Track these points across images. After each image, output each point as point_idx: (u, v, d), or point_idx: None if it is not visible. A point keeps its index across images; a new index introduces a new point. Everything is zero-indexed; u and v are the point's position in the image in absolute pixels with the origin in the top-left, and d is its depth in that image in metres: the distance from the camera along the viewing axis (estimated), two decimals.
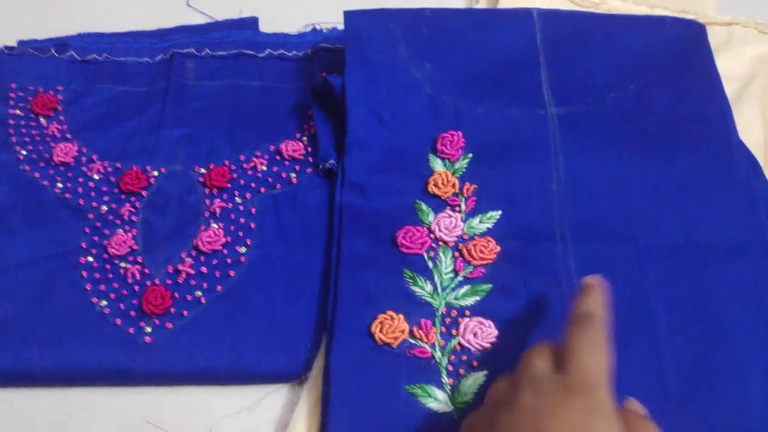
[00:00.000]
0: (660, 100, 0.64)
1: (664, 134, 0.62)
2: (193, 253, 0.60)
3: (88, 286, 0.58)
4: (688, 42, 0.68)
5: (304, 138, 0.67)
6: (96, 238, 0.61)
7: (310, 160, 0.65)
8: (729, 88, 0.66)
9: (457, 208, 0.59)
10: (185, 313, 0.56)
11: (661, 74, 0.66)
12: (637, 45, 0.68)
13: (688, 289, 0.54)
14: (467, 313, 0.54)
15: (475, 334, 0.53)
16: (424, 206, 0.59)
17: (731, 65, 0.71)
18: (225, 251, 0.60)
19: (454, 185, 0.60)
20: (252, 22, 0.79)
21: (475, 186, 0.60)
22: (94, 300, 0.57)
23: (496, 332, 0.53)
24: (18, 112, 0.70)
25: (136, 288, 0.58)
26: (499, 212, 0.59)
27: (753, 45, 0.73)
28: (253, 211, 0.62)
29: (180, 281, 0.58)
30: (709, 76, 0.66)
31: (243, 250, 0.60)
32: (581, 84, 0.66)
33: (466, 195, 0.60)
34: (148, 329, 0.56)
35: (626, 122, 0.63)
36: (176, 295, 0.57)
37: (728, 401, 0.50)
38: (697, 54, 0.67)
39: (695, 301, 0.54)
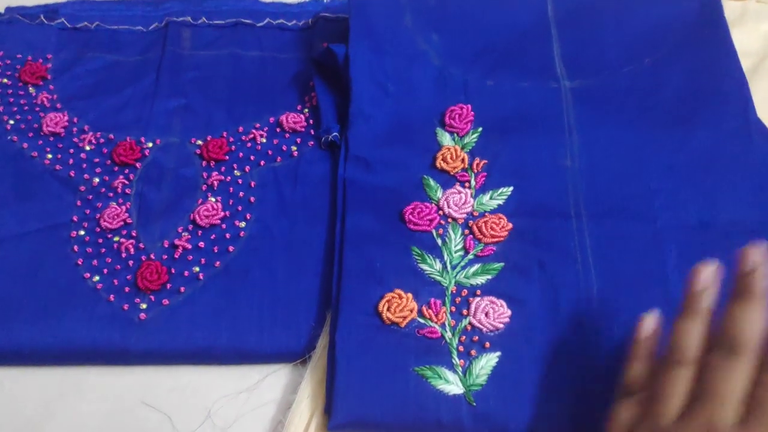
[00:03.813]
0: (676, 74, 0.62)
1: (681, 110, 0.60)
2: (190, 227, 0.57)
3: (80, 261, 0.55)
4: (703, 16, 0.66)
5: (306, 110, 0.64)
6: (88, 212, 0.58)
7: (312, 132, 0.63)
8: (744, 65, 0.64)
9: (466, 184, 0.57)
10: (182, 289, 0.54)
11: (677, 48, 0.63)
12: (651, 18, 0.65)
13: None
14: (478, 292, 0.52)
15: (486, 314, 0.50)
16: (432, 182, 0.57)
17: (745, 41, 0.69)
18: (223, 226, 0.57)
19: (463, 160, 0.58)
20: None
21: (486, 161, 0.58)
22: (86, 275, 0.55)
23: (509, 312, 0.51)
24: (5, 80, 0.67)
25: (131, 263, 0.55)
26: (511, 188, 0.56)
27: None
28: (253, 184, 0.60)
29: (176, 256, 0.55)
30: (725, 50, 0.63)
31: (242, 224, 0.57)
32: (595, 57, 0.63)
33: (475, 170, 0.58)
34: (143, 306, 0.53)
35: (642, 97, 0.61)
36: (173, 270, 0.55)
37: None
38: (712, 28, 0.65)
39: None
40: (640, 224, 0.54)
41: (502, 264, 0.53)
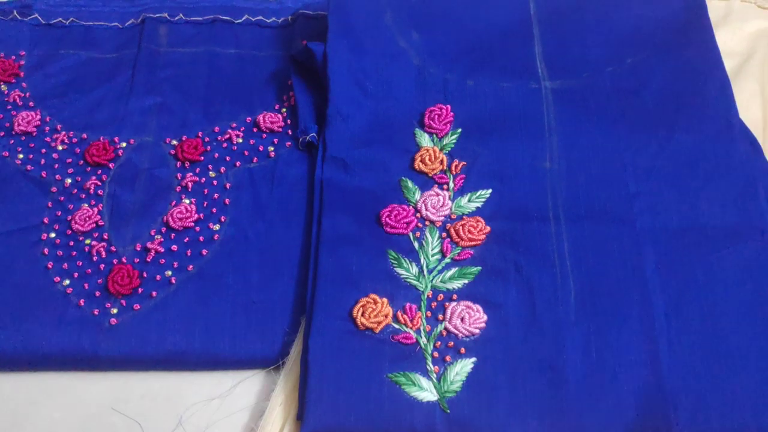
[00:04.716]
0: (658, 75, 0.61)
1: (663, 112, 0.59)
2: (163, 229, 0.56)
3: (50, 264, 0.54)
4: (687, 16, 0.65)
5: (283, 109, 0.63)
6: (59, 213, 0.57)
7: (290, 132, 0.62)
8: (727, 65, 0.63)
9: (444, 186, 0.56)
10: (154, 293, 0.53)
11: (660, 49, 0.63)
12: (634, 18, 0.65)
13: (687, 275, 0.52)
14: (455, 296, 0.51)
15: (462, 319, 0.50)
16: (410, 183, 0.56)
17: (729, 41, 0.69)
18: (197, 228, 0.56)
19: (441, 162, 0.57)
20: None
21: (464, 163, 0.57)
22: (56, 279, 0.54)
23: (485, 317, 0.50)
24: None
25: (102, 266, 0.54)
26: (490, 191, 0.56)
27: (752, 20, 0.71)
28: (228, 185, 0.59)
29: (149, 260, 0.54)
30: (708, 51, 0.63)
31: (216, 227, 0.56)
32: (577, 57, 0.63)
33: (454, 172, 0.57)
34: (114, 310, 0.52)
35: (623, 98, 0.60)
36: (144, 274, 0.54)
37: (725, 392, 0.47)
38: (696, 28, 0.64)
39: (693, 288, 0.51)
40: (619, 227, 0.54)
41: (479, 268, 0.52)
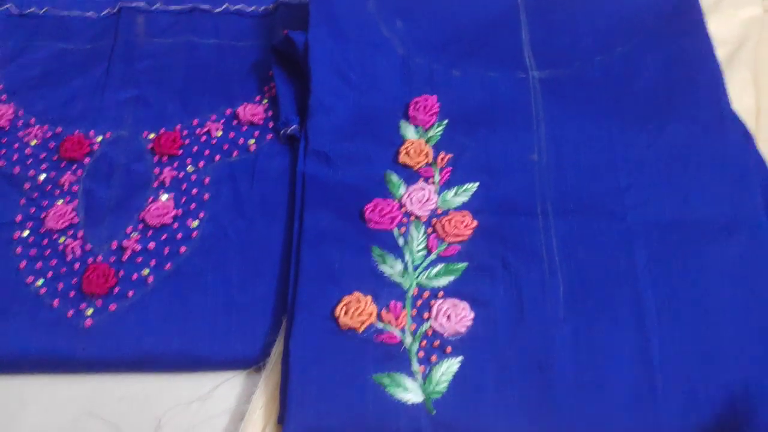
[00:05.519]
0: (649, 64, 0.60)
1: (654, 102, 0.58)
2: (140, 227, 0.54)
3: (23, 264, 0.53)
4: (677, 3, 0.63)
5: (264, 101, 0.62)
6: (32, 211, 0.55)
7: (271, 125, 0.60)
8: (719, 53, 0.61)
9: (430, 180, 0.55)
10: (130, 293, 0.51)
11: (651, 37, 0.61)
12: (624, 5, 0.63)
13: (679, 270, 0.50)
14: (440, 294, 0.50)
15: (448, 317, 0.48)
16: (394, 177, 0.55)
17: (722, 28, 0.67)
18: (175, 225, 0.54)
19: (427, 154, 0.56)
20: None
21: (451, 155, 0.56)
22: (29, 279, 0.52)
23: (471, 315, 0.48)
24: None
25: (76, 266, 0.53)
26: (476, 184, 0.54)
27: (745, 7, 0.69)
28: (207, 180, 0.57)
29: (125, 258, 0.53)
30: (700, 39, 0.61)
31: (195, 223, 0.55)
32: (565, 46, 0.61)
33: (440, 165, 0.55)
34: (89, 311, 0.51)
35: (613, 88, 0.59)
36: (121, 273, 0.52)
37: (718, 389, 0.46)
38: (687, 16, 0.63)
39: (686, 283, 0.50)
40: (609, 222, 0.52)
41: (465, 264, 0.51)
